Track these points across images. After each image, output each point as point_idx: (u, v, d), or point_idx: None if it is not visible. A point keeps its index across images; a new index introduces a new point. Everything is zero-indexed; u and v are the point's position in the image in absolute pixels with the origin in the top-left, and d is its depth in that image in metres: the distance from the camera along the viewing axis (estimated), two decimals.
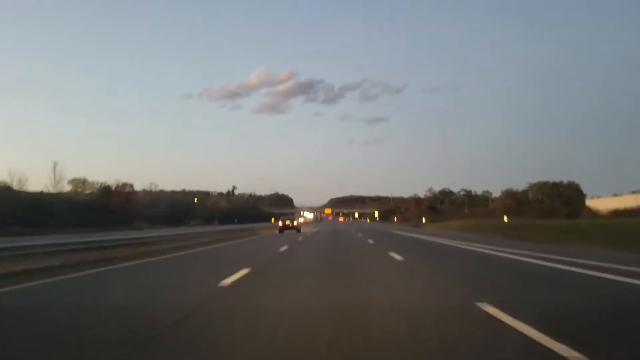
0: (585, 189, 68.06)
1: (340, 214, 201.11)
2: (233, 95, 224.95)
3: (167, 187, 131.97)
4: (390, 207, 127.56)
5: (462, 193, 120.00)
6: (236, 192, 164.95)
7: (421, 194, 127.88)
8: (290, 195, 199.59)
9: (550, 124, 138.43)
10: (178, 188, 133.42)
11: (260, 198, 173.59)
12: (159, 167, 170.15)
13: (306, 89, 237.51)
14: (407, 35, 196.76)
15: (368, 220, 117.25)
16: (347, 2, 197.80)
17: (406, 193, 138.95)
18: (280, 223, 40.11)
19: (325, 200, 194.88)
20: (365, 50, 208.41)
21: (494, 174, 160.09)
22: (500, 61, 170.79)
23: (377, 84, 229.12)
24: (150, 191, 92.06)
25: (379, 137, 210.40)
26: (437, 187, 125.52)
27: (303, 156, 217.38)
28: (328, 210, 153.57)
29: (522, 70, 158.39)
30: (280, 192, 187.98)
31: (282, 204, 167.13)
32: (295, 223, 40.14)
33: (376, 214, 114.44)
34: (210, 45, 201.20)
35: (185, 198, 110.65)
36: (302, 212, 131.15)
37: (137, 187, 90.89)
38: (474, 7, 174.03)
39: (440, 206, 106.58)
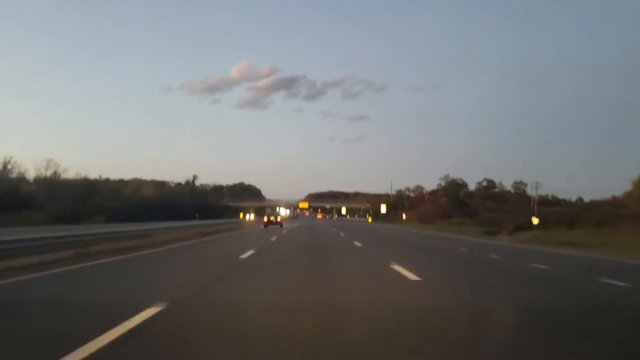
0: None
1: (319, 210, 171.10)
2: (213, 89, 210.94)
3: (127, 176, 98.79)
4: (388, 202, 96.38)
5: (483, 184, 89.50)
6: (197, 182, 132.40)
7: (405, 189, 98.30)
8: (265, 189, 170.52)
9: (530, 122, 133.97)
10: (148, 178, 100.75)
11: (220, 188, 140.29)
12: (133, 158, 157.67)
13: (288, 84, 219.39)
14: (391, 32, 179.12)
15: (369, 220, 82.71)
16: None
17: (390, 189, 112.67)
18: (265, 219, 42.97)
19: (302, 196, 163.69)
20: (350, 47, 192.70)
21: (477, 168, 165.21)
22: (482, 60, 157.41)
23: (360, 81, 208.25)
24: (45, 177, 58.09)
25: (361, 135, 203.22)
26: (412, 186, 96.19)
27: (281, 152, 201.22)
28: (304, 204, 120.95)
29: (504, 68, 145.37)
30: (246, 183, 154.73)
31: (248, 195, 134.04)
32: (278, 219, 43.09)
33: (383, 208, 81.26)
34: (192, 38, 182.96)
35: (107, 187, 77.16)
36: (278, 208, 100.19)
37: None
38: (457, 7, 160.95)
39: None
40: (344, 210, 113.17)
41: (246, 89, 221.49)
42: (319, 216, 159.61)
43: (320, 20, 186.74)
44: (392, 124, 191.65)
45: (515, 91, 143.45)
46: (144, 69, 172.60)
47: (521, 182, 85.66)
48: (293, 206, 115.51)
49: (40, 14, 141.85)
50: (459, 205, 64.59)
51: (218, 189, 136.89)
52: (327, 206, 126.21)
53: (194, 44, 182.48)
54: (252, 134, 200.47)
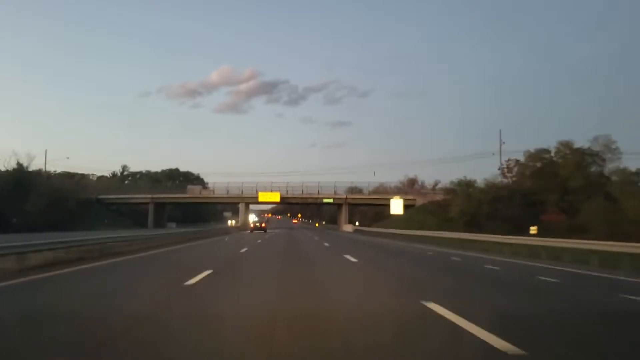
0: None
1: (299, 216, 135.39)
2: (193, 93, 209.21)
3: None
4: (438, 200, 45.85)
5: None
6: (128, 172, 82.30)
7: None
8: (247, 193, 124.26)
9: (516, 128, 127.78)
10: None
11: (131, 178, 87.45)
12: (109, 162, 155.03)
13: (269, 89, 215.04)
14: (375, 38, 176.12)
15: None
16: (315, 3, 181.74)
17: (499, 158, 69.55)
18: (252, 225, 49.92)
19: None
20: (333, 52, 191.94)
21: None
22: (466, 66, 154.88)
23: (342, 87, 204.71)
24: None
25: (342, 141, 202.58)
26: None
27: (259, 156, 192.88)
28: (272, 196, 65.48)
29: (490, 75, 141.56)
30: (183, 169, 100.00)
31: (176, 182, 79.49)
32: (263, 225, 49.60)
33: None
34: (171, 41, 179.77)
35: None
36: (252, 216, 66.15)
37: None
38: (442, 12, 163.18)
39: None
40: (397, 207, 50.50)
41: (226, 93, 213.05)
42: (295, 221, 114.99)
43: (304, 24, 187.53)
44: (374, 130, 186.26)
45: (500, 98, 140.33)
46: (122, 72, 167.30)
47: None
48: (245, 201, 63.04)
49: (16, 17, 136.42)
50: None
51: (124, 178, 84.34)
52: (328, 200, 65.25)
53: (174, 48, 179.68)
54: (230, 138, 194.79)
